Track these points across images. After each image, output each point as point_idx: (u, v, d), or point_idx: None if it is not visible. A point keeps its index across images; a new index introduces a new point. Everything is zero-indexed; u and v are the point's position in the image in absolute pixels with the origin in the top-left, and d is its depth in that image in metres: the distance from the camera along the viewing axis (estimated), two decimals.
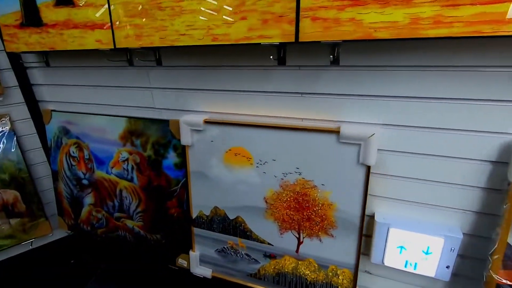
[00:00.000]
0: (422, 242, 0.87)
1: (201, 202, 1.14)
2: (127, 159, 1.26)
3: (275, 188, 1.00)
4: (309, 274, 1.04)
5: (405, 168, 0.87)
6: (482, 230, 0.85)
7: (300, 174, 0.95)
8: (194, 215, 1.17)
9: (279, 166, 0.97)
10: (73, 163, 1.40)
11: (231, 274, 1.18)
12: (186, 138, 1.07)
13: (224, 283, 1.19)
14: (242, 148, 1.01)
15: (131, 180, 1.28)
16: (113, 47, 0.98)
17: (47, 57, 1.27)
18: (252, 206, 1.05)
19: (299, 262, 1.04)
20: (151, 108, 1.18)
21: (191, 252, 1.22)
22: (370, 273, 1.03)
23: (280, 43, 0.77)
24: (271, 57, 0.86)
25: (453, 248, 0.85)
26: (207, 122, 1.03)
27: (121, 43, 0.96)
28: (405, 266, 0.92)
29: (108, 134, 1.27)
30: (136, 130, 1.21)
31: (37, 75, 1.35)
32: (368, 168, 0.85)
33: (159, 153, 1.19)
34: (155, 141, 1.18)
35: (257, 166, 1.00)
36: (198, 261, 1.22)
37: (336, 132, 0.86)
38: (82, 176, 1.40)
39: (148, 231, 1.32)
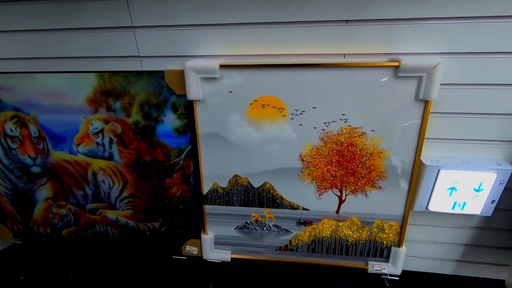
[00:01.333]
0: (475, 180, 0.83)
1: (215, 173, 0.92)
2: (101, 131, 0.95)
3: (315, 142, 0.84)
4: (351, 235, 0.94)
5: (457, 103, 0.80)
6: None
7: (346, 121, 0.81)
8: (205, 190, 0.95)
9: (320, 115, 0.81)
10: (13, 145, 1.01)
11: (255, 252, 1.01)
12: (194, 90, 0.82)
13: (247, 263, 1.02)
14: (271, 97, 0.81)
15: (110, 158, 0.97)
16: None
17: None
18: (284, 168, 0.88)
19: (340, 224, 0.93)
20: (135, 57, 0.88)
21: (203, 236, 1.01)
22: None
23: None
24: None
25: (502, 181, 0.83)
26: (223, 66, 0.80)
27: None
28: (453, 208, 0.88)
29: (68, 98, 0.93)
30: (113, 88, 0.90)
31: None
32: (428, 104, 0.76)
33: (150, 117, 0.91)
34: (144, 101, 0.90)
35: (291, 118, 0.82)
36: (212, 244, 1.02)
37: (394, 66, 0.74)
38: (30, 162, 1.02)
39: (140, 221, 1.04)
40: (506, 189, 0.87)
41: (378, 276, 0.96)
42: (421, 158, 0.84)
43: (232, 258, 1.02)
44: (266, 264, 1.02)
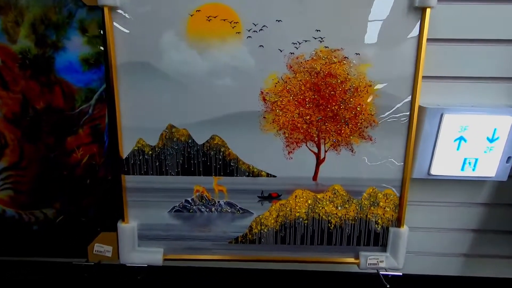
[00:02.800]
0: (488, 125, 0.64)
1: (140, 123, 0.64)
2: None
3: (280, 72, 0.61)
4: (334, 213, 0.67)
5: (459, 25, 0.64)
6: None
7: (322, 40, 0.59)
8: (126, 152, 0.65)
9: (287, 32, 0.59)
10: None
11: (200, 249, 0.69)
12: None
13: (187, 268, 0.69)
14: (220, 5, 0.58)
15: None
16: None
17: None
18: (239, 112, 0.63)
19: (318, 196, 0.66)
20: None
21: (120, 226, 0.67)
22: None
23: None
24: None
25: None
26: None
27: None
28: (462, 168, 0.67)
29: None
30: None
31: None
32: (425, 14, 0.57)
33: (46, 42, 0.63)
34: (39, 17, 0.62)
35: (248, 36, 0.59)
36: (135, 239, 0.68)
37: None
38: None
39: (24, 207, 0.69)
40: None
41: (373, 275, 0.69)
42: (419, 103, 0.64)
43: (165, 260, 0.69)
44: (214, 269, 0.70)
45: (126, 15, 0.59)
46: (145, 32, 0.60)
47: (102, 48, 0.62)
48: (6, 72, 0.64)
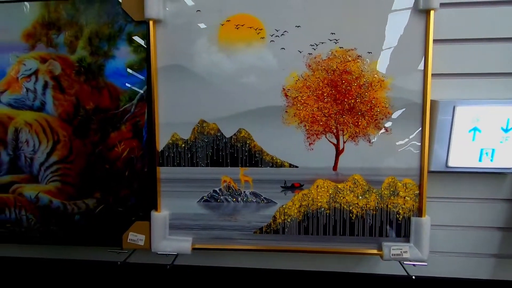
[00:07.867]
0: (501, 116, 0.67)
1: (175, 119, 0.71)
2: (35, 72, 0.75)
3: (300, 71, 0.68)
4: (355, 203, 0.70)
5: (463, 26, 0.69)
6: None
7: (336, 42, 0.67)
8: (161, 145, 0.72)
9: (306, 35, 0.67)
10: None
11: (227, 238, 0.73)
12: (153, 6, 0.68)
13: (212, 256, 0.72)
14: (247, 15, 0.68)
15: (41, 108, 0.76)
16: None
17: None
18: (263, 107, 0.69)
19: (339, 186, 0.70)
20: None
21: (154, 214, 0.73)
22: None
23: None
24: None
25: None
26: None
27: None
28: (480, 159, 0.69)
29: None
30: (58, 19, 0.74)
31: None
32: (429, 16, 0.64)
33: (99, 52, 0.74)
34: (95, 32, 0.74)
35: (271, 40, 0.68)
36: (167, 228, 0.73)
37: None
38: None
39: (69, 198, 0.76)
40: None
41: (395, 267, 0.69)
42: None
43: (193, 249, 0.72)
44: (241, 257, 0.72)
45: (168, 26, 0.69)
46: (182, 39, 0.70)
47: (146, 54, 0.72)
48: (64, 78, 0.75)
